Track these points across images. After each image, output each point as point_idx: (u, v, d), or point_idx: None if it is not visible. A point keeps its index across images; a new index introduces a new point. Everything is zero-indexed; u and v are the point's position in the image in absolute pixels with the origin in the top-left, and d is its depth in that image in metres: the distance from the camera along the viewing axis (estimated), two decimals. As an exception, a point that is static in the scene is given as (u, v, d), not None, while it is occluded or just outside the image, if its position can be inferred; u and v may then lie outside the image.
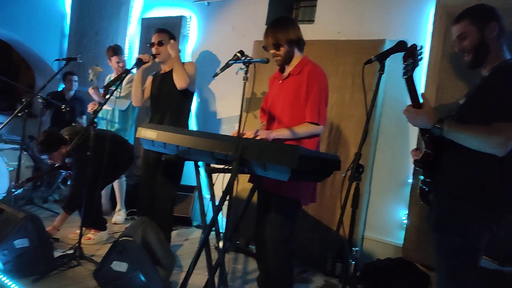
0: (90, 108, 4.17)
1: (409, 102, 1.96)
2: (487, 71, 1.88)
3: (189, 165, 3.03)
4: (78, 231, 3.67)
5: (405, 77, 1.89)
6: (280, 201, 2.46)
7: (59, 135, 3.46)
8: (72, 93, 5.40)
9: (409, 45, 1.95)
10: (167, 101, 3.40)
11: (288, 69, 2.58)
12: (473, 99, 1.87)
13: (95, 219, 3.67)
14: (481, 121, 1.75)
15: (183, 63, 3.42)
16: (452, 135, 1.77)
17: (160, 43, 3.38)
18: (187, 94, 3.42)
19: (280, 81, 2.59)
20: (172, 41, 3.36)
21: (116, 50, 4.41)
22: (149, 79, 3.61)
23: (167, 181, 3.39)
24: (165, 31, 3.45)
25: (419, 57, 1.89)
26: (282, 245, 2.49)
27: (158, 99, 3.47)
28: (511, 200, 1.79)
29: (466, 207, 1.79)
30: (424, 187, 2.01)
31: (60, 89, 5.65)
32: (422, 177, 2.02)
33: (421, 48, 1.89)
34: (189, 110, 3.51)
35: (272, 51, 2.53)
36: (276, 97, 2.60)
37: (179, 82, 3.29)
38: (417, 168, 2.04)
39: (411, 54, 1.88)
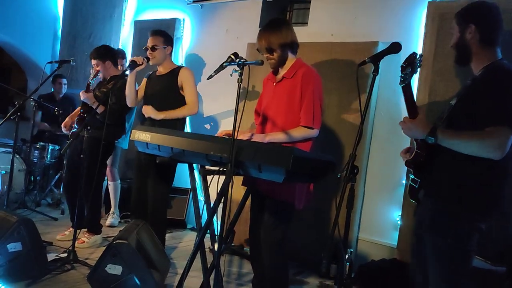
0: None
1: (402, 104, 1.96)
2: (478, 70, 1.89)
3: (183, 167, 3.02)
4: (66, 232, 3.67)
5: (402, 85, 1.88)
6: (274, 204, 2.46)
7: (115, 53, 3.97)
8: (61, 95, 5.43)
9: (402, 47, 1.94)
10: (161, 103, 3.38)
11: (282, 71, 2.57)
12: (464, 101, 1.88)
13: (92, 222, 3.65)
14: (473, 123, 1.76)
15: (180, 68, 3.41)
16: (447, 143, 1.78)
17: (153, 48, 3.36)
18: (182, 98, 3.40)
19: (274, 84, 2.59)
20: (149, 109, 3.33)
21: (123, 55, 4.49)
22: (144, 80, 3.60)
23: (159, 183, 3.38)
24: (159, 34, 3.43)
25: (418, 64, 1.87)
26: (277, 246, 2.49)
27: (151, 100, 3.45)
28: (499, 203, 1.82)
29: (457, 209, 1.82)
30: (413, 185, 2.02)
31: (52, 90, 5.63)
32: (412, 176, 2.04)
33: (420, 57, 1.88)
34: None
35: (266, 55, 2.54)
36: (270, 99, 2.60)
37: (191, 114, 3.46)
38: (407, 167, 2.05)
39: (410, 63, 1.86)
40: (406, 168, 3.21)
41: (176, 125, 3.35)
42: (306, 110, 2.43)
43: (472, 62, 1.93)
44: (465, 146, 1.75)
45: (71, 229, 3.65)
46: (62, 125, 3.89)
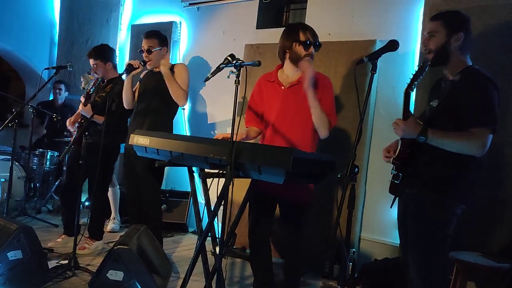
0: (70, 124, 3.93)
1: (401, 101, 2.06)
2: (453, 75, 2.06)
3: (183, 171, 3.00)
4: (59, 240, 3.63)
5: (410, 91, 2.02)
6: (295, 208, 2.53)
7: (114, 53, 3.84)
8: (61, 101, 5.40)
9: (399, 45, 1.98)
10: (151, 99, 3.36)
11: (296, 75, 2.55)
12: (446, 103, 2.04)
13: (94, 228, 3.63)
14: (456, 124, 1.96)
15: (173, 65, 3.40)
16: (436, 142, 1.96)
17: (149, 51, 3.34)
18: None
19: (283, 88, 2.54)
20: (163, 61, 3.30)
21: None
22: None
23: (151, 186, 3.36)
24: (154, 36, 3.40)
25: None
26: (301, 247, 2.58)
27: (143, 97, 3.43)
28: (473, 191, 2.05)
29: (439, 198, 2.01)
30: (395, 181, 2.16)
31: (50, 98, 5.63)
32: (394, 172, 2.15)
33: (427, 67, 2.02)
34: (174, 111, 3.46)
35: (299, 47, 2.48)
36: (283, 103, 2.52)
37: (179, 101, 3.30)
38: (393, 164, 2.16)
39: (422, 72, 2.00)
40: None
41: (164, 122, 3.35)
42: (329, 111, 2.52)
43: (447, 66, 2.09)
44: (452, 145, 1.94)
45: (63, 236, 3.63)
46: (67, 122, 3.83)
